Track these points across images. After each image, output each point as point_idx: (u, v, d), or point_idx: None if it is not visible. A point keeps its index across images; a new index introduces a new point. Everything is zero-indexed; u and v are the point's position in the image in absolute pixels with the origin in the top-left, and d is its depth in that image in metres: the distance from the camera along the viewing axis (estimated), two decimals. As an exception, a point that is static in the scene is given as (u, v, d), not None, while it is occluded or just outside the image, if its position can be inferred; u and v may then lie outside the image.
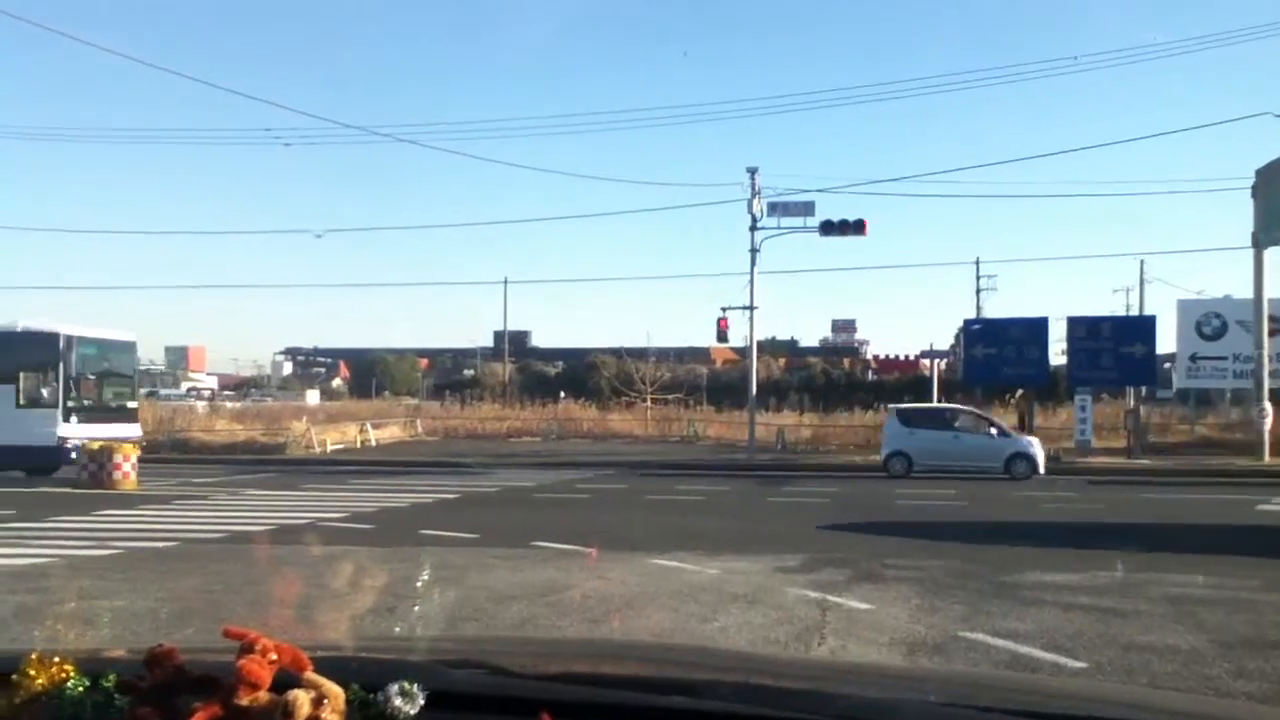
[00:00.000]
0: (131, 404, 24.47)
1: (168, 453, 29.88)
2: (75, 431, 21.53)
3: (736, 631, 7.21)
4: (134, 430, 23.40)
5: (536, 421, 41.39)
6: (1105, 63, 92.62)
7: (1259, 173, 24.95)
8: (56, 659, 1.35)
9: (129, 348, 24.90)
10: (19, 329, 22.53)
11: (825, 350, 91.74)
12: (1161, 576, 9.43)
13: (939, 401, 30.91)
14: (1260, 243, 24.93)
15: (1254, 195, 25.05)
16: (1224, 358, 30.78)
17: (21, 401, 21.81)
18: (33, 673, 1.33)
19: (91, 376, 23.25)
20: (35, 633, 7.06)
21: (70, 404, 21.93)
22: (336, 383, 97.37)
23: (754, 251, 28.73)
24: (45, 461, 21.91)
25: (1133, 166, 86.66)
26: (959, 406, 26.93)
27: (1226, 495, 18.34)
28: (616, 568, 10.01)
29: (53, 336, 22.08)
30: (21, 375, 22.02)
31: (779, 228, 28.78)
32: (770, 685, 1.60)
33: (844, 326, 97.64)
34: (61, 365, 21.85)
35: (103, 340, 23.59)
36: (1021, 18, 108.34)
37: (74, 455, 20.83)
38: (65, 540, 12.35)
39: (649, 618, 7.80)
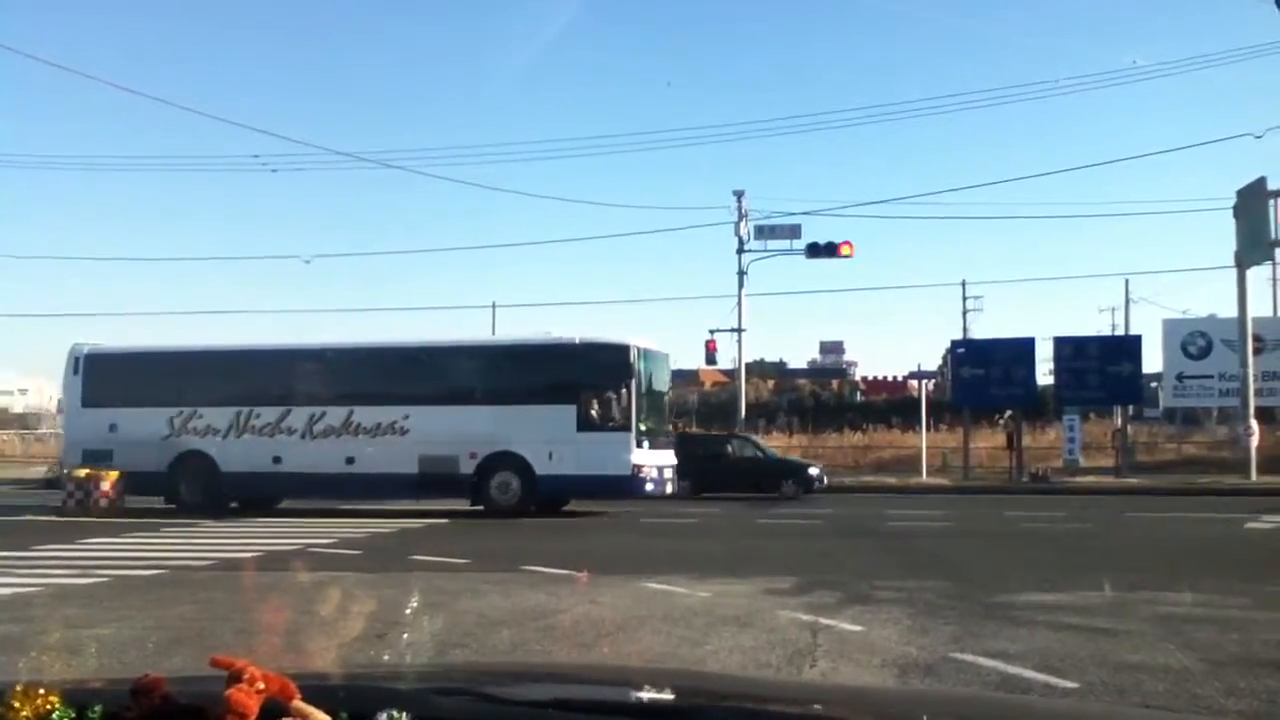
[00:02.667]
0: (668, 426, 21.41)
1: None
2: (647, 459, 18.92)
3: (728, 655, 7.18)
4: (672, 457, 20.31)
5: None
6: (1087, 86, 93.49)
7: (1240, 193, 25.20)
8: (41, 690, 1.34)
9: (667, 361, 22.00)
10: (577, 341, 19.62)
11: (814, 372, 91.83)
12: (1152, 595, 9.43)
13: (927, 422, 31.04)
14: (1243, 262, 25.16)
15: (1236, 215, 25.29)
16: (1210, 376, 30.98)
17: (586, 424, 18.75)
18: (17, 704, 1.31)
19: (659, 393, 20.87)
20: (20, 663, 6.97)
21: (641, 426, 18.98)
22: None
23: (741, 274, 28.88)
24: (611, 493, 19.31)
25: (1117, 187, 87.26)
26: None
27: (1215, 514, 18.40)
28: (607, 591, 9.96)
29: (622, 349, 19.20)
30: (584, 394, 18.96)
31: (766, 250, 29.02)
32: (762, 710, 1.60)
33: (832, 348, 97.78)
34: (633, 382, 18.81)
35: (653, 353, 20.60)
36: (1003, 41, 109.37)
37: (649, 487, 18.90)
38: (50, 569, 12.23)
39: (640, 642, 7.75)
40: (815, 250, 28.10)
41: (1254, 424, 25.25)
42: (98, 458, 20.34)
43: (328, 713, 1.29)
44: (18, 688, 1.33)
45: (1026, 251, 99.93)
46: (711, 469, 24.34)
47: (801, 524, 17.51)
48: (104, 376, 21.23)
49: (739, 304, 29.00)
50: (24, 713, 1.31)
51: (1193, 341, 31.50)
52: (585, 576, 10.98)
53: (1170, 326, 32.79)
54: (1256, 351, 27.04)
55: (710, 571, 11.06)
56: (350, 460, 19.69)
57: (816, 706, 1.69)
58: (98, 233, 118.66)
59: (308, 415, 20.09)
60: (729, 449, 26.30)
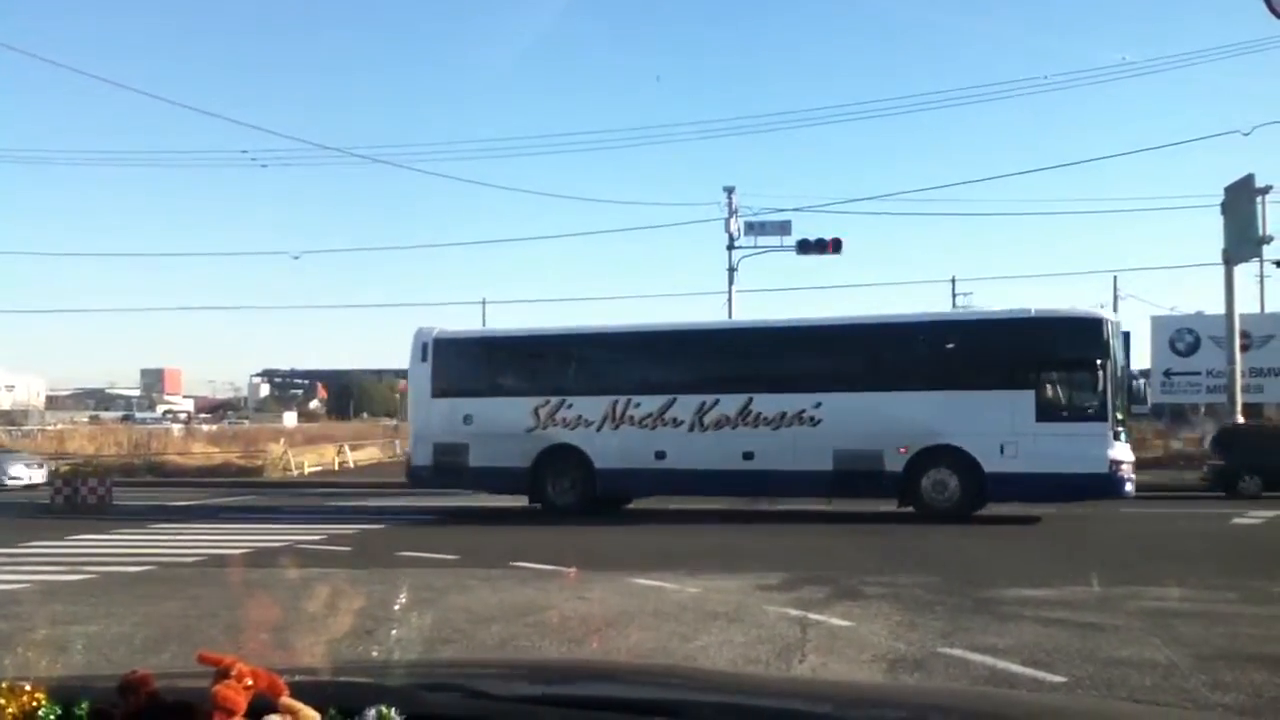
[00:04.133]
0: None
1: (143, 476, 29.57)
2: (1124, 453, 16.24)
3: (717, 650, 7.19)
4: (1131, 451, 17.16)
5: (516, 441, 41.20)
6: (1076, 82, 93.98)
7: (1228, 190, 25.27)
8: (28, 687, 1.33)
9: (1130, 340, 19.00)
10: (1033, 314, 16.75)
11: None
12: (1139, 590, 9.49)
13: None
14: (1230, 259, 25.23)
15: (1223, 212, 25.36)
16: (1198, 373, 31.11)
17: (1049, 412, 16.14)
18: (3, 701, 1.31)
19: (1131, 376, 18.11)
20: (6, 660, 6.94)
21: (1118, 415, 16.25)
22: (314, 404, 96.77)
23: (731, 271, 28.86)
24: (1080, 494, 16.24)
25: (1105, 184, 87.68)
26: None
27: (1201, 509, 18.50)
28: (597, 587, 9.97)
29: (1094, 323, 16.65)
30: (1044, 377, 16.50)
31: (756, 247, 28.97)
32: (751, 705, 1.60)
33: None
34: (1108, 363, 16.03)
35: (1121, 329, 17.96)
36: (992, 39, 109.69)
37: (1128, 487, 16.14)
38: (38, 565, 12.18)
39: (629, 637, 7.76)
40: (806, 246, 28.10)
41: (1241, 420, 25.37)
42: (451, 452, 18.52)
43: (316, 708, 1.29)
44: (4, 685, 1.33)
45: (1015, 247, 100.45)
46: None
47: (804, 521, 17.55)
48: (457, 363, 19.19)
49: (729, 300, 29.00)
50: (10, 710, 1.31)
51: (1180, 338, 31.64)
52: (575, 572, 10.97)
53: (1158, 323, 32.92)
54: (1244, 348, 27.15)
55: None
56: (748, 455, 17.20)
57: (805, 701, 1.70)
58: (86, 227, 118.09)
59: (696, 404, 17.58)
60: None
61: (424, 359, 19.08)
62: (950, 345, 17.32)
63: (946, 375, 16.79)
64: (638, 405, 17.91)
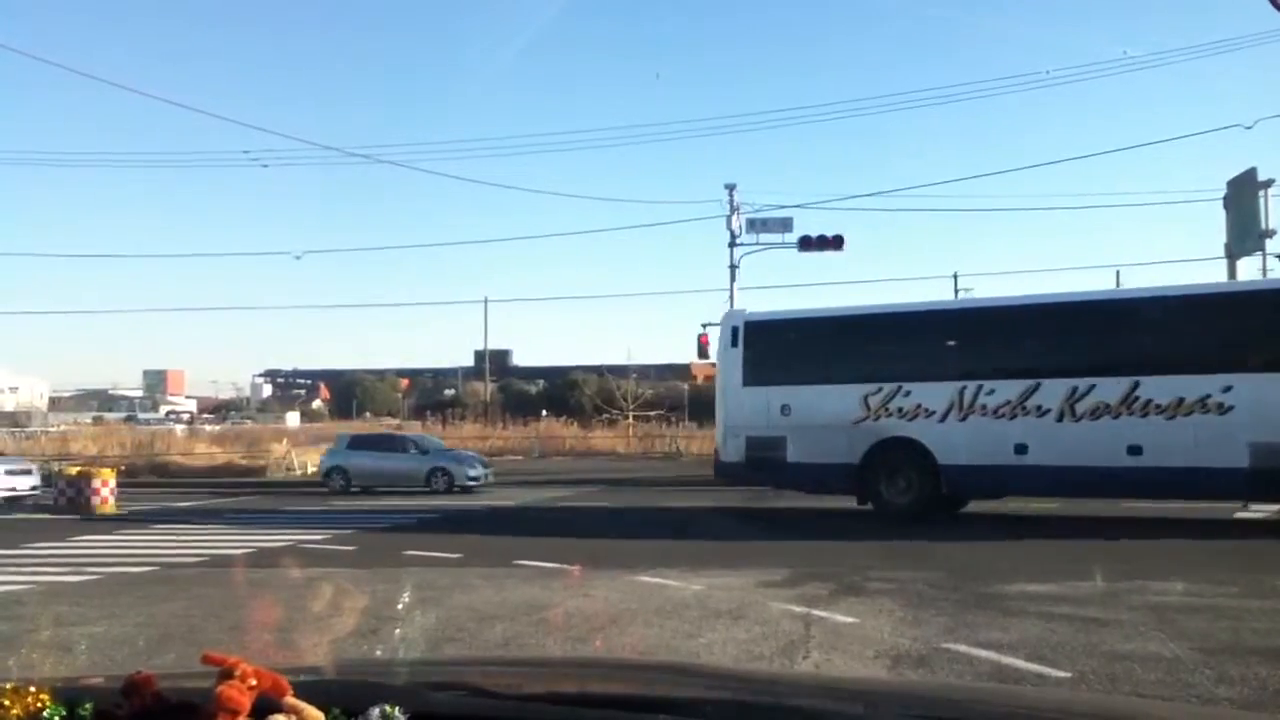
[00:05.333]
0: None
1: (146, 477, 29.60)
2: None
3: (721, 647, 7.19)
4: None
5: (518, 440, 41.34)
6: (1077, 78, 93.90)
7: (1230, 184, 25.23)
8: (32, 688, 1.33)
9: None
10: None
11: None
12: (1143, 585, 9.47)
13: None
14: (1233, 253, 25.19)
15: (1226, 206, 25.31)
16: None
17: None
18: (7, 703, 1.31)
19: None
20: (10, 661, 6.95)
21: None
22: (316, 404, 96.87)
23: (733, 267, 28.81)
24: None
25: (1107, 179, 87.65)
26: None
27: (1205, 503, 18.45)
28: (600, 585, 9.97)
29: None
30: None
31: (758, 243, 28.90)
32: (755, 701, 1.60)
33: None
34: None
35: None
36: (993, 34, 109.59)
37: None
38: (41, 566, 12.20)
39: (633, 635, 7.76)
40: (807, 243, 28.06)
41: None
42: (765, 447, 16.82)
43: (320, 708, 1.29)
44: (8, 686, 1.33)
45: (1017, 243, 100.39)
46: None
47: (816, 518, 17.54)
48: (772, 348, 17.43)
49: (731, 298, 28.95)
50: (15, 711, 1.31)
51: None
52: (578, 570, 10.98)
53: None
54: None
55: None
56: (1135, 450, 14.64)
57: (809, 698, 1.69)
58: (87, 229, 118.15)
59: (1067, 389, 15.15)
60: None
61: (734, 344, 17.51)
62: None
63: None
64: (991, 392, 15.66)
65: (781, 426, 16.72)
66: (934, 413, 15.99)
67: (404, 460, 24.80)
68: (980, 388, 15.72)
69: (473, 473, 24.11)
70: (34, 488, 21.91)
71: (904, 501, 16.08)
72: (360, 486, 24.33)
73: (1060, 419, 15.22)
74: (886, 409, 16.28)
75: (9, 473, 21.99)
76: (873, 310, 17.94)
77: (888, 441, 16.17)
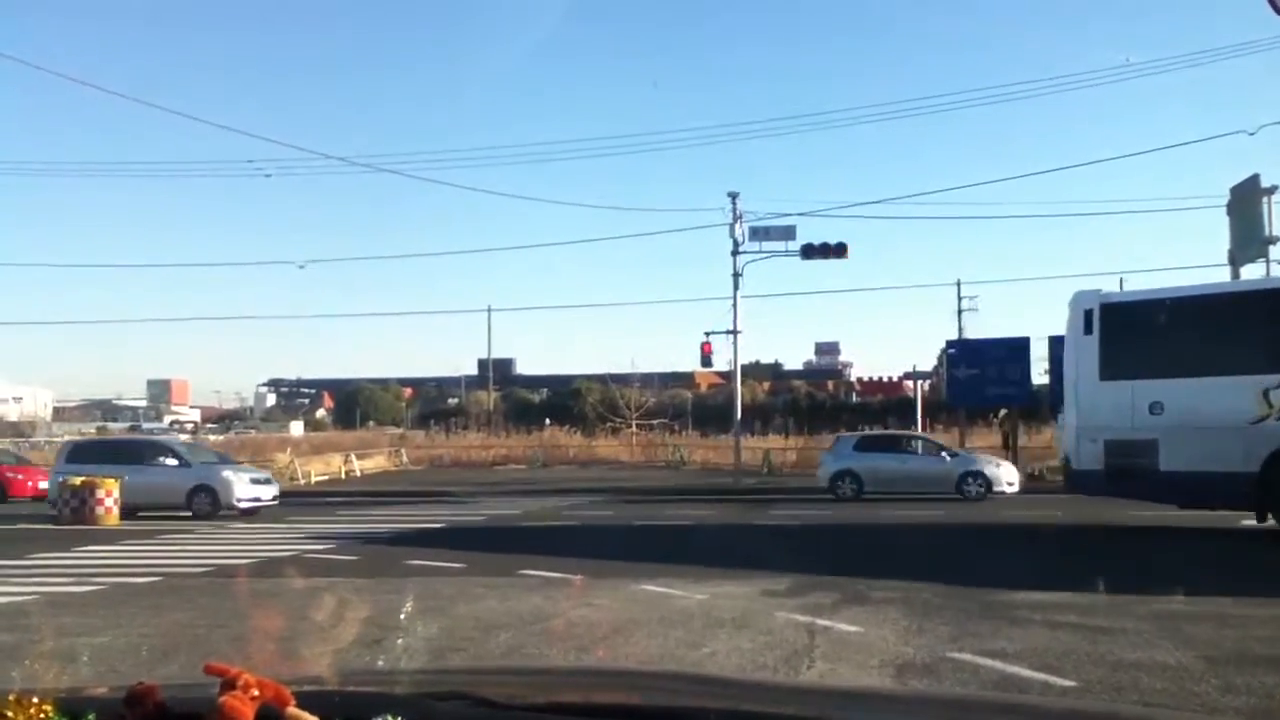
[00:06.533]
0: None
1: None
2: None
3: (725, 657, 7.17)
4: None
5: (522, 449, 41.35)
6: (1080, 85, 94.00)
7: (1234, 190, 25.23)
8: (35, 699, 1.33)
9: None
10: None
11: (809, 373, 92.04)
12: (1149, 593, 9.43)
13: (923, 422, 31.06)
14: (1236, 260, 25.17)
15: (1229, 213, 25.32)
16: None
17: None
18: (11, 713, 1.31)
19: None
20: (13, 672, 6.94)
21: None
22: (320, 413, 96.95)
23: (736, 276, 28.83)
24: None
25: (1111, 185, 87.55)
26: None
27: (1210, 511, 18.39)
28: (604, 595, 9.95)
29: None
30: None
31: (761, 252, 28.92)
32: (760, 711, 1.59)
33: (827, 349, 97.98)
34: None
35: None
36: (997, 42, 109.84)
37: None
38: (45, 577, 12.19)
39: (637, 644, 7.75)
40: (810, 251, 28.09)
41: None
42: (1131, 452, 14.33)
43: (323, 719, 1.29)
44: (11, 696, 1.33)
45: (1021, 250, 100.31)
46: None
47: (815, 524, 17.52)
48: (1135, 335, 14.82)
49: (734, 306, 28.99)
50: (18, 721, 1.31)
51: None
52: (581, 580, 10.96)
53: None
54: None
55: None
56: None
57: (814, 707, 1.69)
58: (90, 240, 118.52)
59: None
60: None
61: (1088, 331, 14.86)
62: None
63: None
64: None
65: (1151, 428, 14.13)
66: None
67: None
68: None
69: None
70: (275, 498, 21.71)
71: None
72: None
73: None
74: None
75: (254, 482, 21.53)
76: (1274, 285, 15.11)
77: None
